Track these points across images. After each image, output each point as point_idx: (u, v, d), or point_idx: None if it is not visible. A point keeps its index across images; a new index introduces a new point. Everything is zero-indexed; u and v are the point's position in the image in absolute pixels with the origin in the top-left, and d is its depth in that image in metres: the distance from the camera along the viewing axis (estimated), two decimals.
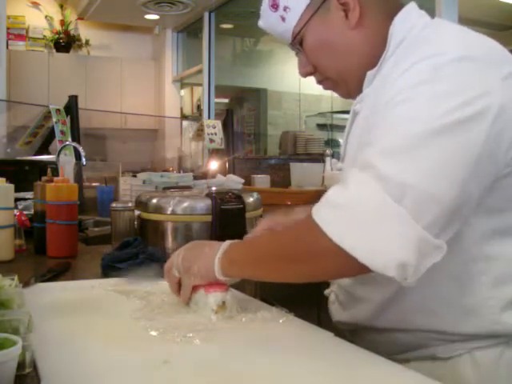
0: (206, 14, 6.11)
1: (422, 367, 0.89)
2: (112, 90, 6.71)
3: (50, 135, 3.20)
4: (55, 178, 1.57)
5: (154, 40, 7.23)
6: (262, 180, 3.68)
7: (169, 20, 6.52)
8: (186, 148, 5.77)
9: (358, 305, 1.02)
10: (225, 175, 3.11)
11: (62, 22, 6.60)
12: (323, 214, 0.81)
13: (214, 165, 3.68)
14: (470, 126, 0.78)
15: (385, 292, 0.95)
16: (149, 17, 6.30)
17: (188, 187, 2.22)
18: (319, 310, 1.81)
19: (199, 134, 3.87)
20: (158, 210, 1.50)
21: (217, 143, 3.78)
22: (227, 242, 0.97)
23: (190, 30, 6.86)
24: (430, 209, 0.76)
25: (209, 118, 5.89)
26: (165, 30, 6.91)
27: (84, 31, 6.78)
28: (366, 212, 0.77)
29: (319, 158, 3.87)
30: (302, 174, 3.59)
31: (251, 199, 1.58)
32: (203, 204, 1.47)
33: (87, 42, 6.76)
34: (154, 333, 0.87)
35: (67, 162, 2.49)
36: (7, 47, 5.27)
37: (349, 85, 1.01)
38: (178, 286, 1.02)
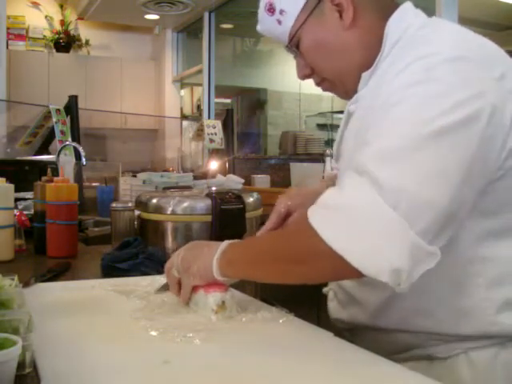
0: (206, 14, 6.11)
1: (419, 367, 0.90)
2: (112, 90, 6.71)
3: (50, 135, 3.20)
4: (55, 178, 1.57)
5: (154, 40, 7.23)
6: (262, 180, 3.69)
7: (169, 20, 6.52)
8: (186, 148, 5.77)
9: (357, 305, 1.02)
10: (225, 175, 3.10)
11: (62, 22, 6.61)
12: (318, 216, 0.81)
13: (213, 165, 3.68)
14: (464, 129, 0.77)
15: (383, 293, 0.95)
16: (149, 17, 6.30)
17: (188, 187, 2.21)
18: (319, 309, 1.81)
19: (199, 133, 3.87)
20: (158, 210, 1.50)
21: (217, 143, 3.78)
22: (226, 243, 0.97)
23: (190, 30, 6.86)
24: (424, 215, 0.76)
25: (209, 117, 5.90)
26: (165, 30, 6.91)
27: (84, 31, 6.78)
28: (360, 216, 0.77)
29: (319, 158, 3.87)
30: (301, 174, 3.60)
31: (251, 199, 1.58)
32: (203, 204, 1.47)
33: (87, 42, 6.76)
34: (154, 333, 0.87)
35: (67, 162, 2.49)
36: (7, 47, 5.27)
37: (346, 85, 1.02)
38: (178, 286, 1.02)
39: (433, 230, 0.77)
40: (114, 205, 1.58)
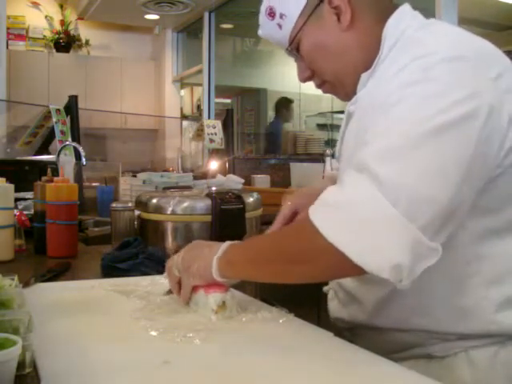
0: (206, 14, 6.11)
1: (418, 366, 0.90)
2: (112, 90, 6.71)
3: (50, 135, 3.20)
4: (55, 178, 1.57)
5: (154, 40, 7.23)
6: (262, 180, 3.68)
7: (169, 20, 6.51)
8: (186, 148, 5.77)
9: (356, 304, 1.03)
10: (225, 175, 3.10)
11: (62, 22, 6.60)
12: (319, 214, 0.81)
13: (213, 165, 3.68)
14: (462, 126, 0.78)
15: (382, 291, 0.96)
16: (149, 17, 6.30)
17: (188, 187, 2.21)
18: (319, 309, 1.81)
19: (199, 133, 3.87)
20: (158, 210, 1.50)
21: (217, 143, 3.78)
22: (227, 243, 0.97)
23: (190, 30, 6.85)
24: (424, 211, 0.77)
25: (209, 117, 5.89)
26: (165, 30, 6.90)
27: (84, 31, 6.78)
28: (361, 213, 0.78)
29: (319, 158, 3.86)
30: (301, 174, 3.60)
31: (251, 199, 1.58)
32: (203, 204, 1.47)
33: (87, 42, 6.76)
34: (154, 333, 0.87)
35: (67, 162, 2.49)
36: (7, 47, 5.26)
37: (346, 87, 1.03)
38: (179, 286, 1.02)
39: (434, 226, 0.78)
40: (113, 205, 1.58)
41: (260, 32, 1.06)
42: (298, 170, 3.70)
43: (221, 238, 1.00)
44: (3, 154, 4.42)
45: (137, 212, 1.56)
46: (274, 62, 6.64)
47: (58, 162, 2.39)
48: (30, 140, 3.39)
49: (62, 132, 2.96)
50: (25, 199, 2.02)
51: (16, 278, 0.87)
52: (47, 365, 0.73)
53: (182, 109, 7.09)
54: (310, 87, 1.09)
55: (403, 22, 0.95)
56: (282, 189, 3.52)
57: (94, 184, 2.88)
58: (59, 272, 1.32)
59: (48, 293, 1.12)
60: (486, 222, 0.88)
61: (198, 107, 6.67)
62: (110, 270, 1.31)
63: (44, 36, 6.52)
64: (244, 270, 0.94)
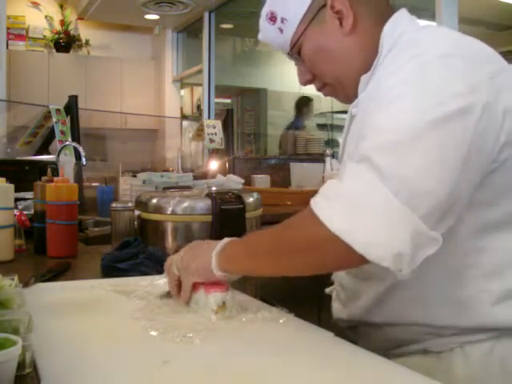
0: (206, 14, 6.12)
1: (413, 361, 0.91)
2: (112, 90, 6.71)
3: (50, 135, 3.20)
4: (55, 178, 1.57)
5: (154, 40, 7.23)
6: (262, 180, 3.68)
7: (169, 20, 6.52)
8: (186, 148, 5.77)
9: (355, 300, 1.04)
10: (225, 175, 3.10)
11: (62, 22, 6.60)
12: (320, 204, 0.82)
13: (213, 165, 3.68)
14: (460, 119, 0.80)
15: (381, 287, 0.97)
16: (149, 17, 6.30)
17: (188, 187, 2.21)
18: (319, 309, 1.81)
19: (199, 134, 3.87)
20: (158, 210, 1.50)
21: (217, 143, 3.78)
22: (225, 239, 0.97)
23: (190, 30, 6.86)
24: (425, 201, 0.78)
25: (209, 117, 5.90)
26: (165, 30, 6.91)
27: (84, 31, 6.78)
28: (362, 202, 0.79)
29: (319, 158, 3.87)
30: (301, 173, 3.60)
31: (251, 199, 1.58)
32: (203, 204, 1.47)
33: (87, 42, 6.76)
34: (154, 333, 0.87)
35: (67, 162, 2.49)
36: (7, 47, 5.26)
37: (346, 90, 1.04)
38: (178, 286, 1.02)
39: (434, 216, 0.79)
40: (114, 205, 1.58)
41: (260, 36, 1.07)
42: (298, 170, 3.70)
43: (221, 238, 1.00)
44: (3, 154, 4.42)
45: (137, 212, 1.56)
46: (273, 61, 6.65)
47: (58, 162, 2.38)
48: (30, 140, 3.39)
49: (62, 132, 2.96)
50: (25, 199, 2.02)
51: (16, 278, 0.87)
52: (47, 365, 0.73)
53: (181, 109, 7.09)
54: (309, 87, 1.10)
55: (400, 26, 0.97)
56: (282, 189, 3.53)
57: (93, 184, 2.87)
58: (59, 272, 1.32)
59: (48, 293, 1.12)
60: (484, 215, 0.89)
61: (198, 107, 6.68)
62: (110, 269, 1.31)
63: (44, 36, 6.52)
64: (244, 263, 0.94)
